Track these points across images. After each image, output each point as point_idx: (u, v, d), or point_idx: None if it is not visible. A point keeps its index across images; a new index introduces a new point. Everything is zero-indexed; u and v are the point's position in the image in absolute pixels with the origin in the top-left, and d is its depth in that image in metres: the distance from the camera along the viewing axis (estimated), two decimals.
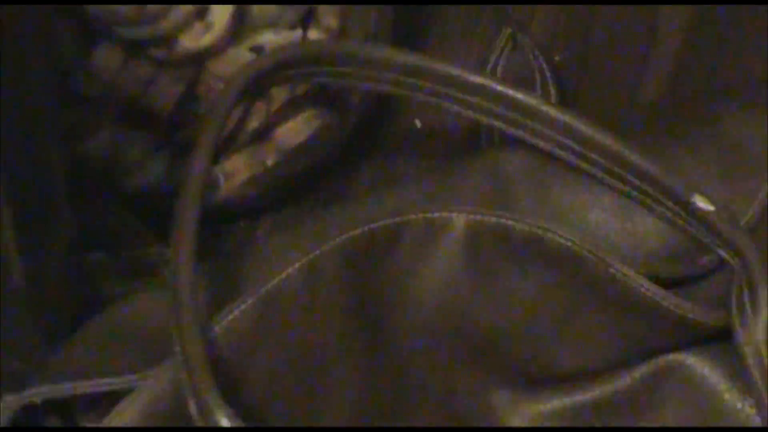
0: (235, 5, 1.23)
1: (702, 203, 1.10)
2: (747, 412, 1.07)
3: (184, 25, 1.21)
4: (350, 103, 1.29)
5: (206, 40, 1.22)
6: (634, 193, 1.13)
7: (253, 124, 1.26)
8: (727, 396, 1.07)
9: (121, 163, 1.25)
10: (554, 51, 1.35)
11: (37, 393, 1.06)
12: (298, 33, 1.24)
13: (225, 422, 1.00)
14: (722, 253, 1.09)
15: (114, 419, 1.03)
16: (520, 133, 1.16)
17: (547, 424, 1.12)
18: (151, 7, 1.20)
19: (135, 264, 1.22)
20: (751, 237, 1.10)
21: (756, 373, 1.05)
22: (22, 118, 1.08)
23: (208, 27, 1.22)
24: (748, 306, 1.06)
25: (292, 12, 1.25)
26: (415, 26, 1.39)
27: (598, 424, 1.11)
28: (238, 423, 1.00)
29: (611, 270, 1.08)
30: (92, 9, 1.20)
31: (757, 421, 1.07)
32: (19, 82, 1.07)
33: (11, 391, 1.07)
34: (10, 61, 1.05)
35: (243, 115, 1.25)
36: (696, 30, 1.41)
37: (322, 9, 1.26)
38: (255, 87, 1.19)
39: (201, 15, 1.22)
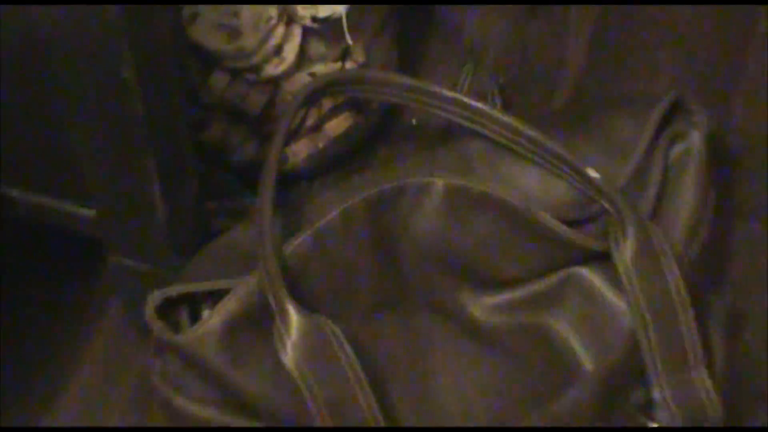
0: (300, 47, 1.26)
1: (592, 173, 1.17)
2: (621, 305, 1.15)
3: (267, 59, 1.25)
4: (371, 109, 1.32)
5: (281, 68, 1.26)
6: (550, 167, 1.19)
7: (310, 121, 1.30)
8: (608, 294, 1.16)
9: (228, 146, 1.29)
10: (500, 76, 1.38)
11: (174, 290, 1.13)
12: (338, 65, 1.28)
13: (291, 309, 1.08)
14: (605, 204, 1.17)
15: (221, 308, 1.11)
16: (477, 128, 1.22)
17: (496, 312, 1.18)
18: (247, 47, 1.24)
19: (235, 208, 1.27)
20: (622, 194, 1.16)
21: (625, 280, 1.14)
22: (167, 116, 1.11)
23: (282, 60, 1.26)
24: (620, 237, 1.14)
25: (335, 50, 1.28)
26: (411, 60, 1.41)
27: (528, 312, 1.18)
28: (300, 310, 1.08)
29: (535, 215, 1.16)
30: (207, 48, 1.24)
31: (626, 310, 1.14)
32: (166, 93, 1.10)
33: (158, 289, 1.12)
34: (164, 83, 1.08)
35: (304, 116, 1.29)
36: (593, 58, 1.43)
37: (354, 48, 1.28)
38: (311, 98, 1.23)
39: (278, 52, 1.25)
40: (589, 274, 1.19)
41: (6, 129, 1.17)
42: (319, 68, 1.29)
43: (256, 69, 1.27)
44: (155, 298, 1.14)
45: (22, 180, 1.21)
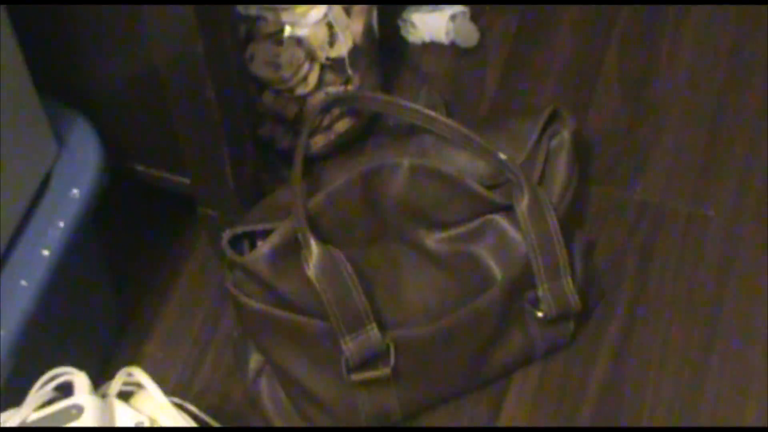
0: (318, 76, 1.24)
1: (502, 155, 1.15)
2: (519, 238, 1.14)
3: (298, 84, 1.23)
4: (363, 114, 1.30)
5: (307, 89, 1.24)
6: (476, 152, 1.17)
7: (325, 122, 1.27)
8: (511, 231, 1.15)
9: (274, 138, 1.27)
10: (444, 94, 1.35)
11: (239, 228, 1.12)
12: (343, 87, 1.26)
13: (312, 242, 1.07)
14: (509, 175, 1.15)
15: (269, 240, 1.09)
16: (430, 127, 1.19)
17: (442, 243, 1.16)
18: (285, 77, 1.21)
19: (278, 177, 1.24)
20: (520, 169, 1.15)
21: (522, 222, 1.13)
22: (235, 119, 1.09)
23: (307, 84, 1.23)
24: (519, 196, 1.13)
25: (341, 78, 1.25)
26: (389, 84, 1.37)
27: (461, 243, 1.16)
28: (318, 242, 1.07)
29: (466, 182, 1.15)
30: (261, 77, 1.21)
31: (522, 241, 1.13)
32: (234, 105, 1.08)
33: (229, 229, 1.12)
34: (234, 98, 1.06)
35: (321, 119, 1.26)
36: (503, 83, 1.39)
37: (353, 77, 1.25)
38: (326, 108, 1.23)
39: (305, 79, 1.22)
40: (499, 219, 1.17)
41: (136, 126, 1.16)
42: (331, 89, 1.27)
43: (291, 90, 1.25)
44: (227, 234, 1.13)
45: (144, 158, 1.19)
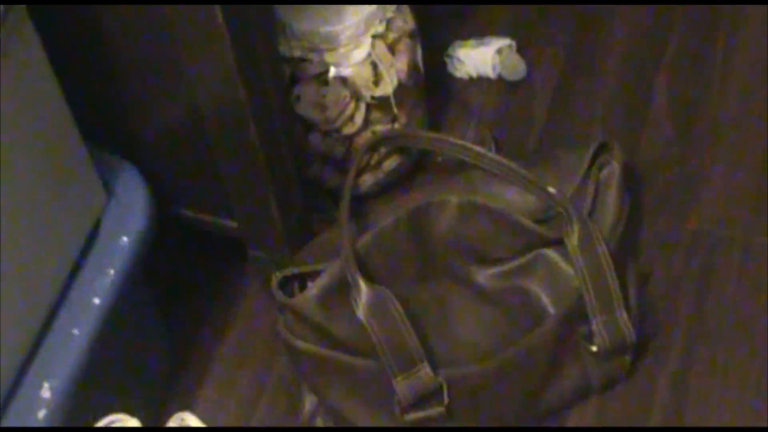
0: (365, 115, 1.23)
1: (551, 189, 1.14)
2: (570, 272, 1.13)
3: (344, 124, 1.23)
4: (412, 152, 1.30)
5: (353, 129, 1.23)
6: (525, 186, 1.16)
7: (373, 161, 1.27)
8: (562, 265, 1.14)
9: (322, 178, 1.27)
10: (493, 129, 1.35)
11: (288, 270, 1.13)
12: (390, 125, 1.26)
13: (361, 282, 1.07)
14: (559, 209, 1.14)
15: (318, 282, 1.10)
16: (478, 163, 1.18)
17: (492, 279, 1.16)
18: (331, 117, 1.21)
19: (327, 217, 1.23)
20: (570, 202, 1.14)
21: (573, 256, 1.12)
22: (280, 161, 1.10)
23: (354, 124, 1.23)
24: (569, 229, 1.12)
25: (387, 117, 1.25)
26: (436, 121, 1.37)
27: (512, 278, 1.16)
28: (367, 282, 1.07)
29: (516, 217, 1.14)
30: (307, 117, 1.21)
31: (574, 275, 1.12)
32: (278, 147, 1.09)
33: (278, 271, 1.12)
34: (277, 141, 1.07)
35: (369, 158, 1.26)
36: (551, 117, 1.38)
37: (399, 115, 1.25)
38: (373, 147, 1.24)
39: (351, 119, 1.22)
40: (550, 253, 1.17)
41: (183, 171, 1.17)
42: (378, 128, 1.27)
43: (338, 130, 1.25)
44: (277, 276, 1.14)
45: (192, 203, 1.20)
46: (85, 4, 0.99)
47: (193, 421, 1.00)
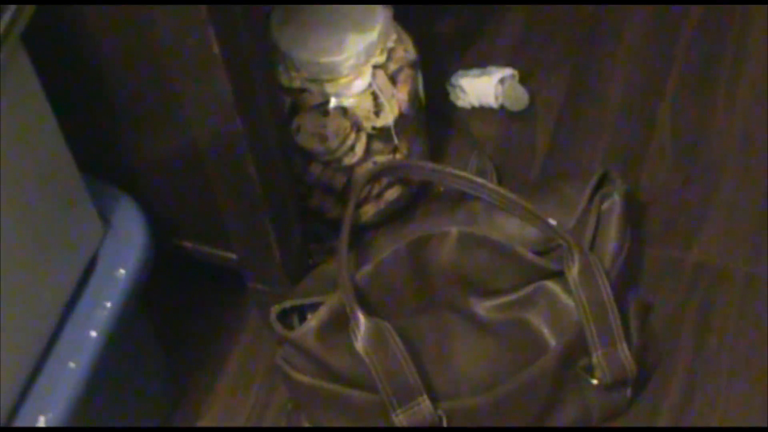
0: (365, 145, 1.22)
1: (551, 221, 1.15)
2: (571, 304, 1.12)
3: (345, 154, 1.22)
4: (413, 182, 1.29)
5: (354, 160, 1.23)
6: (525, 218, 1.16)
7: (374, 191, 1.27)
8: (563, 297, 1.14)
9: (322, 209, 1.26)
10: (494, 160, 1.33)
11: (287, 303, 1.12)
12: (390, 156, 1.25)
13: (360, 315, 1.07)
14: (560, 241, 1.14)
15: (317, 314, 1.09)
16: (479, 194, 1.19)
17: (492, 311, 1.16)
18: (332, 147, 1.21)
19: (326, 248, 1.23)
20: (571, 234, 1.15)
21: (574, 288, 1.12)
22: (279, 193, 1.09)
23: (355, 155, 1.22)
24: (570, 261, 1.12)
25: (388, 147, 1.24)
26: (437, 151, 1.36)
27: (513, 310, 1.15)
28: (365, 315, 1.07)
29: (516, 249, 1.14)
30: (307, 148, 1.20)
31: (574, 307, 1.12)
32: (277, 179, 1.08)
33: (277, 304, 1.12)
34: (276, 172, 1.06)
35: (370, 189, 1.25)
36: (552, 147, 1.38)
37: (400, 145, 1.24)
38: (374, 177, 1.23)
39: (352, 149, 1.22)
40: (551, 285, 1.16)
41: (181, 203, 1.16)
42: (379, 158, 1.26)
43: (338, 160, 1.24)
44: (276, 308, 1.13)
45: (190, 235, 1.19)
46: (81, 37, 0.99)
47: None
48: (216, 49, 0.92)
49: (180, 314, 1.28)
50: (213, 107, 0.98)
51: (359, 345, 1.08)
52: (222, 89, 0.95)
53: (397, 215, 1.31)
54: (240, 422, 1.23)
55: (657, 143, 1.37)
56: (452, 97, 1.44)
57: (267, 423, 1.23)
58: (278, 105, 1.14)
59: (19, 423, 0.98)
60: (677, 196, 1.33)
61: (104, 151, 1.10)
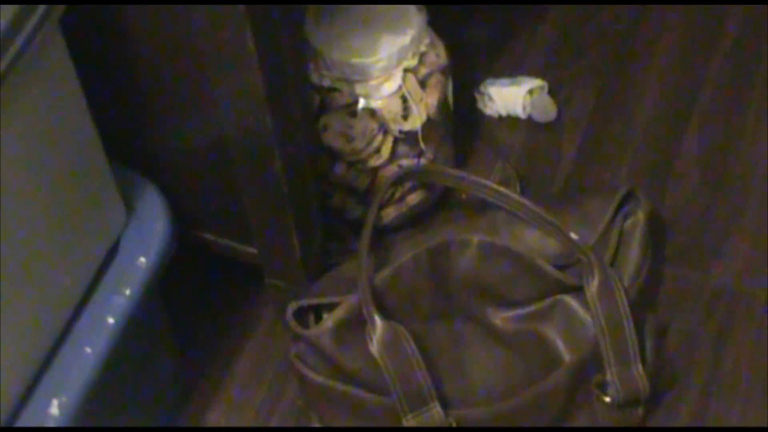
0: (391, 148, 1.23)
1: (573, 236, 1.15)
2: (588, 320, 1.12)
3: (370, 156, 1.23)
4: (436, 188, 1.29)
5: (379, 162, 1.23)
6: (547, 230, 1.16)
7: (397, 195, 1.27)
8: (580, 313, 1.14)
9: (344, 209, 1.27)
10: (519, 169, 1.34)
11: (304, 301, 1.13)
12: (416, 160, 1.25)
13: (376, 317, 1.07)
14: (580, 256, 1.14)
15: (334, 314, 1.10)
16: (501, 204, 1.19)
17: (509, 322, 1.16)
18: (358, 148, 1.21)
19: (346, 249, 1.23)
20: (592, 249, 1.15)
21: (592, 304, 1.12)
22: (303, 191, 1.10)
23: (380, 157, 1.23)
24: (590, 277, 1.12)
25: (414, 151, 1.24)
26: (462, 158, 1.37)
27: (529, 322, 1.15)
28: (382, 318, 1.08)
29: (536, 261, 1.14)
30: (333, 148, 1.20)
31: (592, 323, 1.12)
32: (302, 177, 1.09)
33: (294, 301, 1.13)
34: (301, 171, 1.07)
35: (393, 192, 1.25)
36: (578, 160, 1.38)
37: (426, 150, 1.24)
38: (398, 181, 1.23)
39: (377, 151, 1.22)
40: (569, 299, 1.16)
41: (205, 195, 1.17)
42: (404, 162, 1.27)
43: (363, 161, 1.25)
44: (293, 306, 1.13)
45: (212, 227, 1.20)
46: (118, 27, 0.99)
47: None
48: (251, 46, 0.93)
49: (195, 306, 1.28)
50: (244, 102, 0.98)
51: (374, 348, 1.08)
52: (254, 85, 0.96)
53: (418, 220, 1.32)
54: (250, 416, 1.23)
55: (682, 163, 1.38)
56: (480, 105, 1.44)
57: (276, 419, 1.23)
58: (308, 103, 1.14)
59: (32, 406, 0.98)
60: (700, 217, 1.33)
61: (133, 140, 1.11)
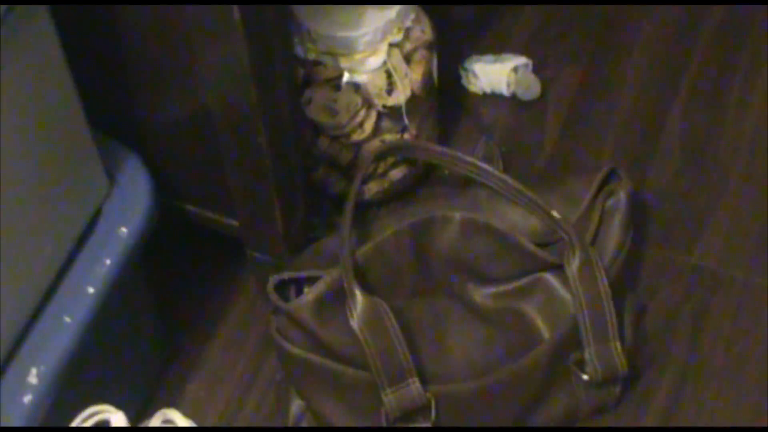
0: (375, 123, 1.22)
1: (555, 214, 1.14)
2: (568, 298, 1.13)
3: (354, 130, 1.22)
4: (418, 163, 1.29)
5: (362, 136, 1.23)
6: (529, 208, 1.16)
7: (380, 170, 1.27)
8: (561, 291, 1.14)
9: (327, 183, 1.27)
10: (502, 147, 1.33)
11: (286, 274, 1.12)
12: (399, 135, 1.25)
13: (357, 292, 1.07)
14: (562, 234, 1.14)
15: (315, 288, 1.09)
16: (484, 180, 1.18)
17: (489, 299, 1.16)
18: (341, 122, 1.20)
19: (328, 223, 1.23)
20: (573, 228, 1.14)
21: (572, 282, 1.12)
22: (286, 164, 1.09)
23: (363, 131, 1.22)
24: (570, 255, 1.12)
25: (397, 126, 1.24)
26: (446, 134, 1.36)
27: (509, 300, 1.15)
28: (363, 292, 1.07)
29: (518, 238, 1.14)
30: (317, 121, 1.20)
31: (571, 301, 1.12)
32: (286, 150, 1.08)
33: (276, 274, 1.12)
34: (285, 143, 1.06)
35: (376, 167, 1.26)
36: (561, 139, 1.38)
37: (410, 126, 1.24)
38: (381, 156, 1.22)
39: (361, 126, 1.22)
40: (550, 277, 1.16)
41: (188, 166, 1.16)
42: (387, 137, 1.26)
43: (347, 136, 1.24)
44: (274, 279, 1.13)
45: (194, 199, 1.19)
46: None
47: (177, 418, 1.00)
48: (237, 17, 0.92)
49: (177, 277, 1.28)
50: (229, 73, 0.98)
51: (354, 322, 1.08)
52: (240, 56, 0.95)
53: (399, 195, 1.31)
54: (228, 388, 1.23)
55: (665, 145, 1.38)
56: (464, 82, 1.44)
57: (255, 391, 1.23)
58: (292, 76, 1.13)
59: (11, 374, 0.98)
60: (681, 199, 1.33)
61: (116, 109, 1.10)
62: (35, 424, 0.97)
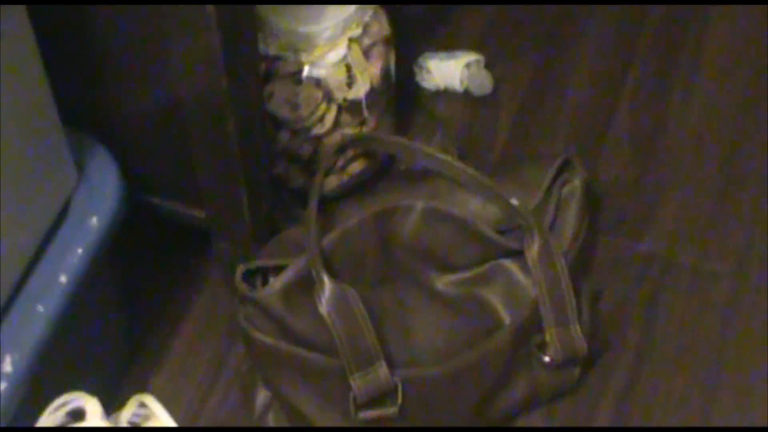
0: (335, 117, 1.23)
1: (514, 201, 1.15)
2: (528, 283, 1.14)
3: (314, 124, 1.23)
4: (377, 157, 1.30)
5: (323, 130, 1.24)
6: (488, 197, 1.17)
7: (340, 163, 1.27)
8: (520, 276, 1.15)
9: (289, 177, 1.27)
10: (457, 139, 1.37)
11: (253, 263, 1.13)
12: (358, 129, 1.26)
13: (325, 278, 1.07)
14: (521, 221, 1.15)
15: (282, 276, 1.10)
16: (442, 171, 1.18)
17: (451, 286, 1.17)
18: (302, 116, 1.21)
19: (292, 216, 1.24)
20: (532, 215, 1.15)
21: (532, 267, 1.14)
22: (253, 155, 1.10)
23: (324, 125, 1.23)
24: (530, 241, 1.14)
25: (357, 120, 1.25)
26: (404, 127, 1.38)
27: (471, 286, 1.16)
28: (330, 279, 1.08)
29: (478, 226, 1.15)
30: (278, 115, 1.21)
31: (531, 286, 1.14)
32: (253, 141, 1.08)
33: (244, 263, 1.13)
34: (253, 134, 1.08)
35: (336, 160, 1.24)
36: (515, 129, 1.40)
37: (369, 119, 1.25)
38: (341, 149, 1.23)
39: (321, 120, 1.23)
40: (510, 263, 1.18)
41: (155, 158, 1.17)
42: (347, 131, 1.27)
43: (307, 130, 1.25)
44: (241, 268, 1.13)
45: (161, 190, 1.20)
46: None
47: (152, 402, 1.00)
48: (210, 7, 0.93)
49: (143, 268, 1.28)
50: (200, 63, 0.99)
51: (323, 308, 1.09)
52: (212, 46, 0.96)
53: (359, 189, 1.32)
54: (195, 379, 1.23)
55: (614, 136, 1.40)
56: (418, 78, 1.45)
57: (222, 382, 1.23)
58: (258, 68, 1.14)
59: None
60: (631, 188, 1.36)
61: (86, 102, 1.11)
62: (11, 412, 0.98)
